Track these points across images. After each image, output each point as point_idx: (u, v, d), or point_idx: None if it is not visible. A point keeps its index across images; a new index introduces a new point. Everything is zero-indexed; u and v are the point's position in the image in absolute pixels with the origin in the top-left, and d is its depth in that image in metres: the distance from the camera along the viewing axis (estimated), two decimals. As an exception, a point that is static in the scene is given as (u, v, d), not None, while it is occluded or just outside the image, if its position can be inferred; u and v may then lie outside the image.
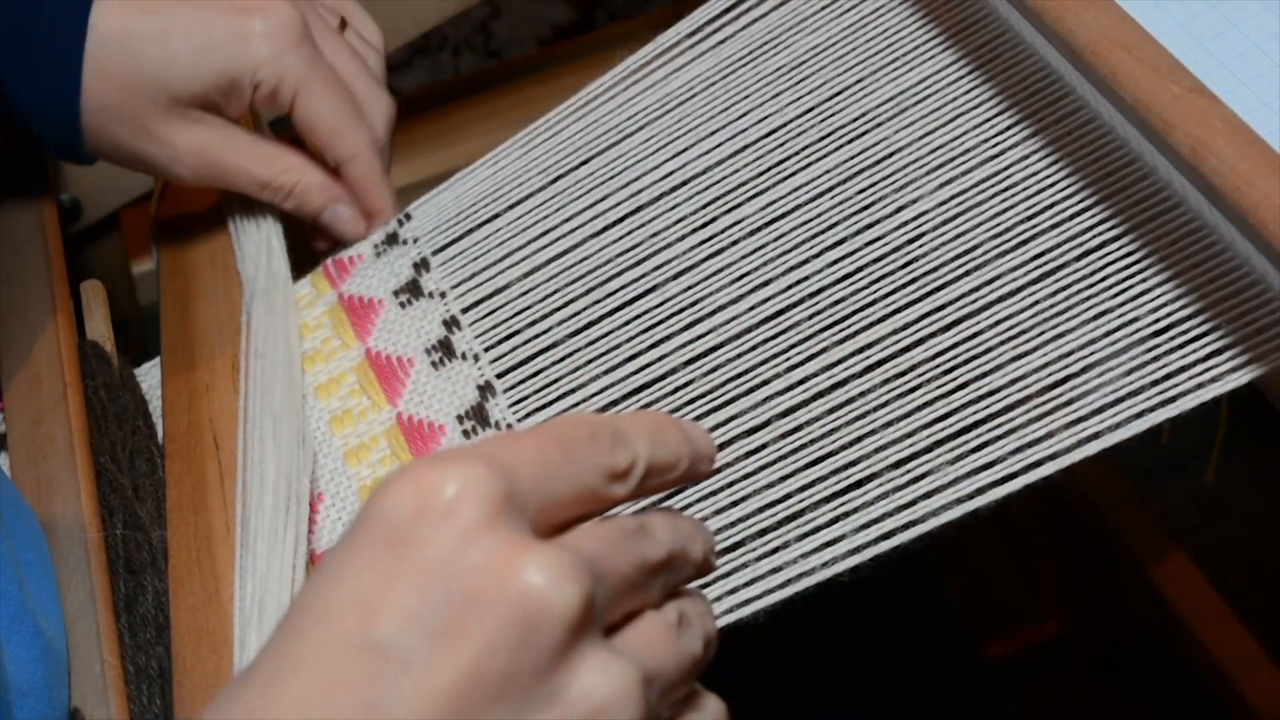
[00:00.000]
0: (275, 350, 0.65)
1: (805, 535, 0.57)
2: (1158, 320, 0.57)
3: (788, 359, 0.61)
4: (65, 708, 0.54)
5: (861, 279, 0.62)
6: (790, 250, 0.64)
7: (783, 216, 0.65)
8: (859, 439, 0.58)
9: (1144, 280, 0.58)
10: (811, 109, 0.67)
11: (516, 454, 0.39)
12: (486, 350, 0.66)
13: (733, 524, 0.58)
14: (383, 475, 0.63)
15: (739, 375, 0.61)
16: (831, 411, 0.59)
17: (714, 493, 0.59)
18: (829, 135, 0.66)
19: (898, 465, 0.57)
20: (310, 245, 0.74)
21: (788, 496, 0.58)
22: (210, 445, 0.62)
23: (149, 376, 0.69)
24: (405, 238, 0.71)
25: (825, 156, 0.65)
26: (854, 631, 0.88)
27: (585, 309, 0.65)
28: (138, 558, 0.58)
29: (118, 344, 0.70)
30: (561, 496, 0.40)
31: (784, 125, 0.67)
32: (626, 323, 0.65)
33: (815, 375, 0.60)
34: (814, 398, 0.60)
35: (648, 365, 0.63)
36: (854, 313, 0.61)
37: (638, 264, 0.66)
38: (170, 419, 0.64)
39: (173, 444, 0.63)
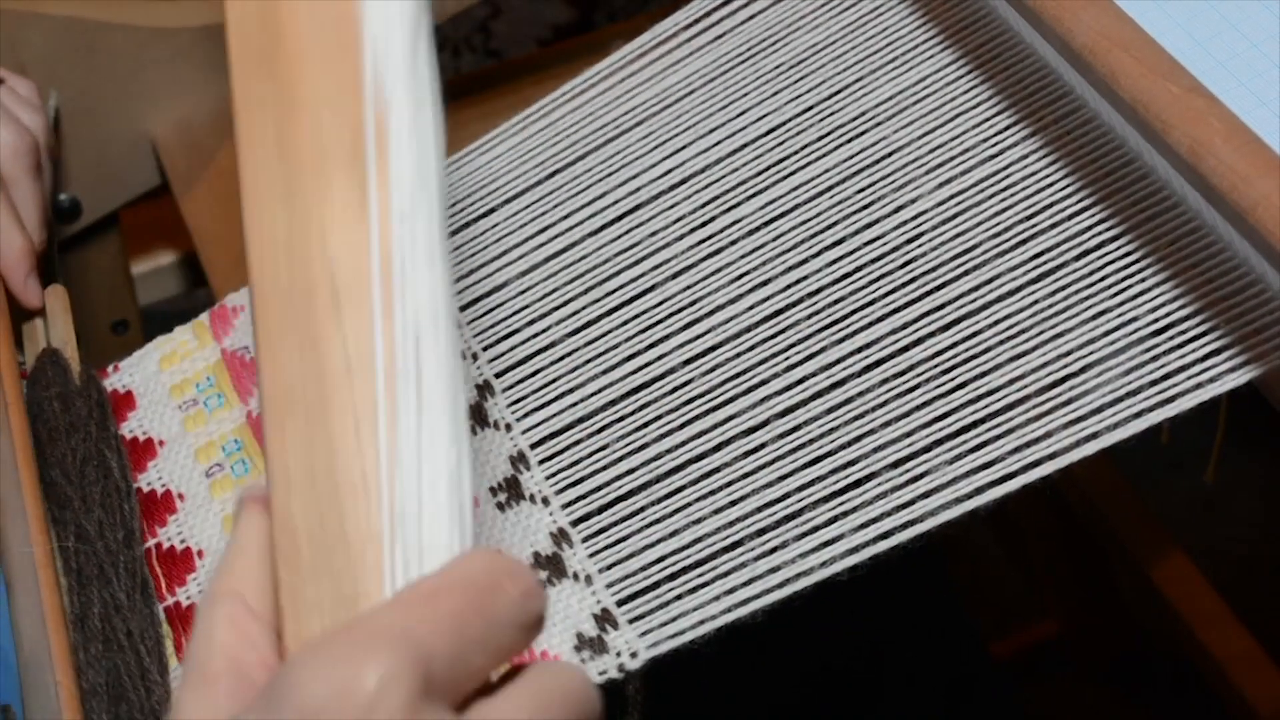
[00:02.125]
0: (424, 187, 0.42)
1: (804, 535, 0.57)
2: (1156, 320, 0.57)
3: (786, 358, 0.61)
4: (1, 700, 0.54)
5: (860, 278, 0.62)
6: (789, 250, 0.64)
7: (781, 216, 0.65)
8: (857, 439, 0.58)
9: (1143, 280, 0.58)
10: (810, 108, 0.67)
11: (434, 631, 0.37)
12: (485, 349, 0.66)
13: (731, 523, 0.58)
14: None
15: (738, 375, 0.61)
16: (830, 411, 0.59)
17: (713, 492, 0.59)
18: (828, 134, 0.66)
19: (896, 465, 0.57)
20: None
21: (786, 496, 0.58)
22: (325, 286, 0.41)
23: (140, 368, 0.69)
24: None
25: (824, 156, 0.65)
26: (858, 623, 0.88)
27: (584, 308, 0.65)
28: (86, 570, 0.58)
29: (121, 337, 0.69)
30: (479, 668, 0.38)
31: (783, 124, 0.67)
32: (625, 322, 0.65)
33: (814, 375, 0.60)
34: (812, 397, 0.60)
35: (646, 365, 0.63)
36: (853, 312, 0.61)
37: (636, 263, 0.66)
38: (258, 237, 0.41)
39: (262, 269, 0.42)
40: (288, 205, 0.40)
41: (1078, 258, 0.59)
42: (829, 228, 0.64)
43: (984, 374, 0.58)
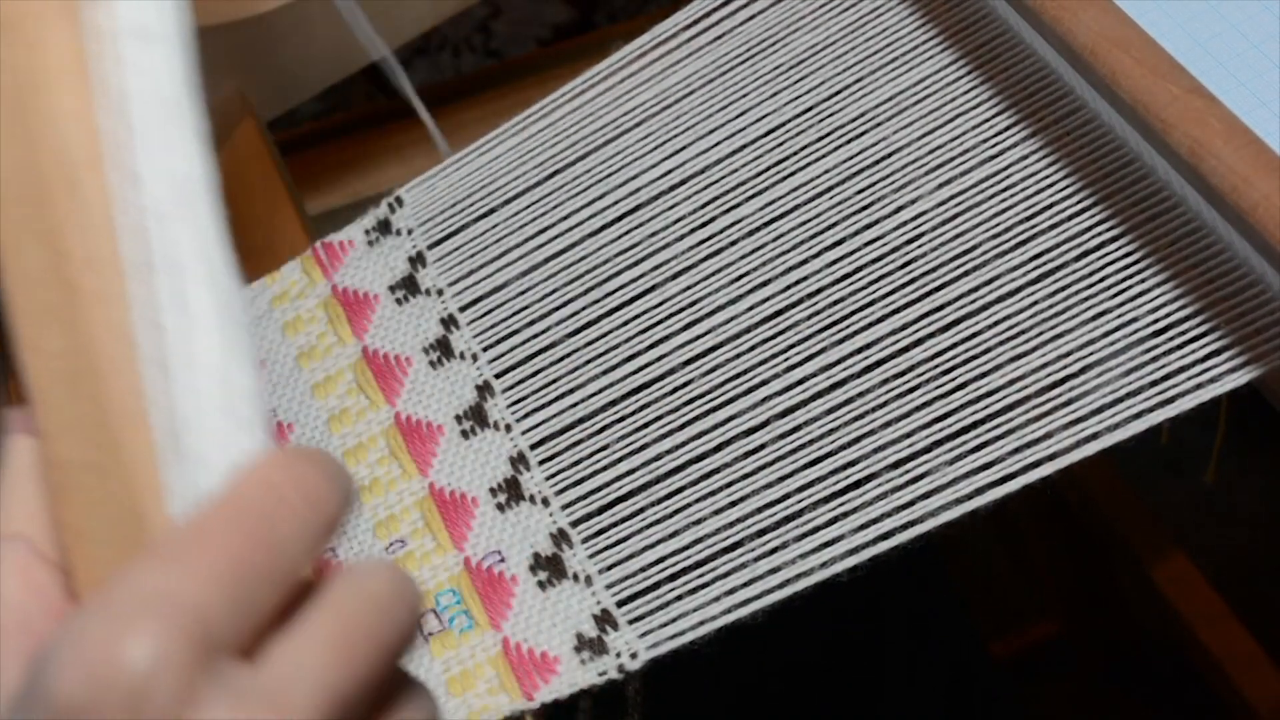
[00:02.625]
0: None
1: (804, 536, 0.57)
2: (1157, 320, 0.57)
3: (786, 359, 0.61)
4: None
5: (860, 279, 0.62)
6: (789, 250, 0.64)
7: (781, 216, 0.65)
8: (858, 439, 0.58)
9: (1143, 280, 0.58)
10: (810, 108, 0.67)
11: (206, 583, 0.31)
12: (485, 350, 0.66)
13: (731, 524, 0.58)
14: (381, 475, 0.63)
15: (738, 375, 0.61)
16: (830, 412, 0.59)
17: (713, 493, 0.59)
18: (828, 135, 0.66)
19: (896, 465, 0.57)
20: None
21: (786, 497, 0.58)
22: (52, 157, 0.35)
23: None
24: (399, 227, 0.71)
25: (824, 156, 0.65)
26: (858, 625, 0.88)
27: (584, 309, 0.65)
28: None
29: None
30: (266, 603, 0.32)
31: (783, 125, 0.67)
32: (625, 323, 0.65)
33: (814, 375, 0.60)
34: (813, 398, 0.60)
35: (646, 365, 0.63)
36: (853, 313, 0.61)
37: (636, 264, 0.66)
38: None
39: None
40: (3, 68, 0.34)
41: (1078, 258, 0.59)
42: (829, 228, 0.64)
43: (984, 374, 0.58)
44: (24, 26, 0.34)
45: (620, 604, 0.58)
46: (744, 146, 0.67)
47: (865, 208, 0.64)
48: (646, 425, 0.62)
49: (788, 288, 0.63)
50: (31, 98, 0.34)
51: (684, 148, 0.68)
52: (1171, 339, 0.56)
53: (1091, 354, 0.57)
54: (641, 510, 0.60)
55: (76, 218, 0.34)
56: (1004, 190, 0.62)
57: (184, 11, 0.35)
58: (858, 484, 0.58)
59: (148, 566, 0.31)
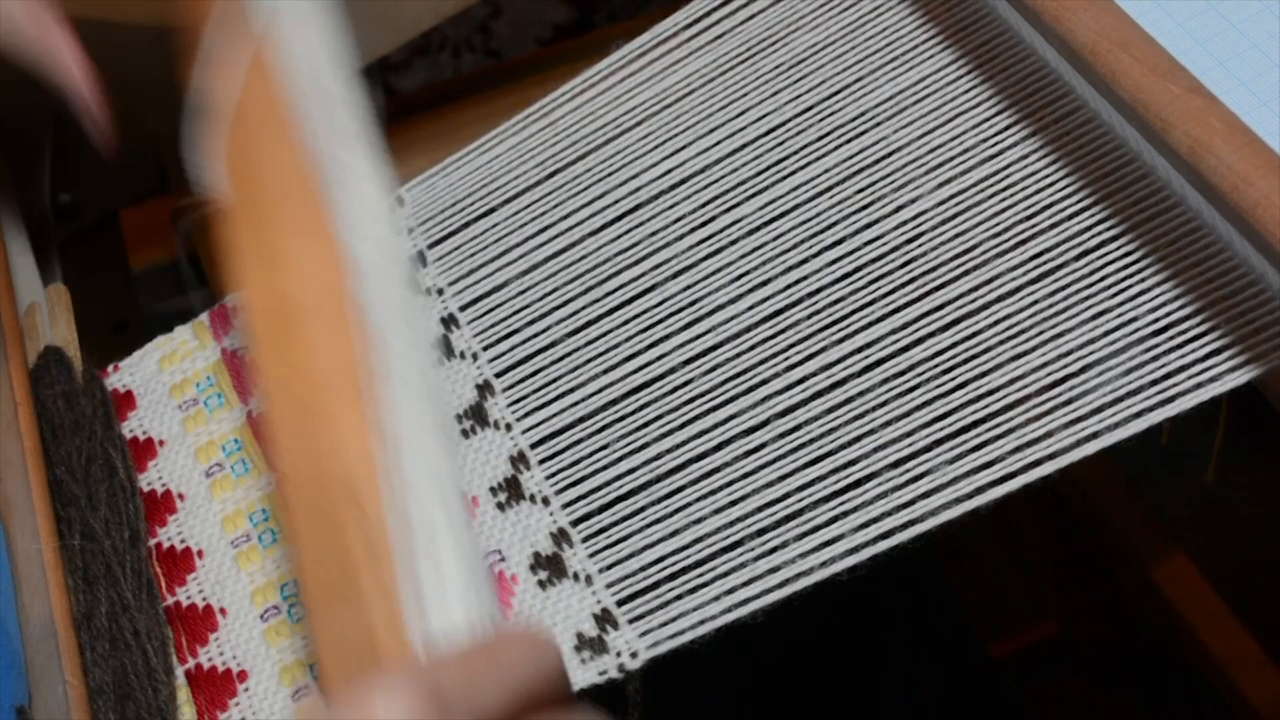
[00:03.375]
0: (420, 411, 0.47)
1: (804, 535, 0.57)
2: (1156, 320, 0.57)
3: (786, 358, 0.61)
4: (13, 700, 0.54)
5: (860, 278, 0.62)
6: (789, 250, 0.64)
7: (781, 216, 0.65)
8: (857, 438, 0.58)
9: (1143, 280, 0.58)
10: (810, 108, 0.67)
11: (443, 663, 0.39)
12: (485, 349, 0.66)
13: (731, 523, 0.58)
14: None
15: (738, 375, 0.61)
16: (830, 411, 0.59)
17: (713, 492, 0.59)
18: (828, 134, 0.66)
19: (896, 465, 0.57)
20: None
21: (786, 496, 0.58)
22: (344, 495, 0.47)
23: (140, 368, 0.69)
24: (399, 226, 0.71)
25: (824, 156, 0.65)
26: (858, 625, 0.88)
27: (584, 308, 0.65)
28: (93, 569, 0.58)
29: (121, 337, 0.69)
30: (493, 702, 0.39)
31: (783, 124, 0.67)
32: (625, 322, 0.65)
33: (814, 375, 0.60)
34: (812, 397, 0.60)
35: (647, 365, 0.63)
36: (853, 312, 0.61)
37: (636, 263, 0.66)
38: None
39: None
40: (308, 434, 0.47)
41: (1078, 257, 0.59)
42: (829, 228, 0.64)
43: (984, 374, 0.58)
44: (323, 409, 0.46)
45: (620, 603, 0.58)
46: (744, 146, 0.67)
47: (865, 207, 0.64)
48: (646, 424, 0.62)
49: (787, 287, 0.63)
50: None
51: (684, 147, 0.68)
52: (1171, 338, 0.56)
53: (1091, 353, 0.57)
54: (641, 509, 0.60)
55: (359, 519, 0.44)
56: (1004, 190, 0.62)
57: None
58: (857, 483, 0.58)
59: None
